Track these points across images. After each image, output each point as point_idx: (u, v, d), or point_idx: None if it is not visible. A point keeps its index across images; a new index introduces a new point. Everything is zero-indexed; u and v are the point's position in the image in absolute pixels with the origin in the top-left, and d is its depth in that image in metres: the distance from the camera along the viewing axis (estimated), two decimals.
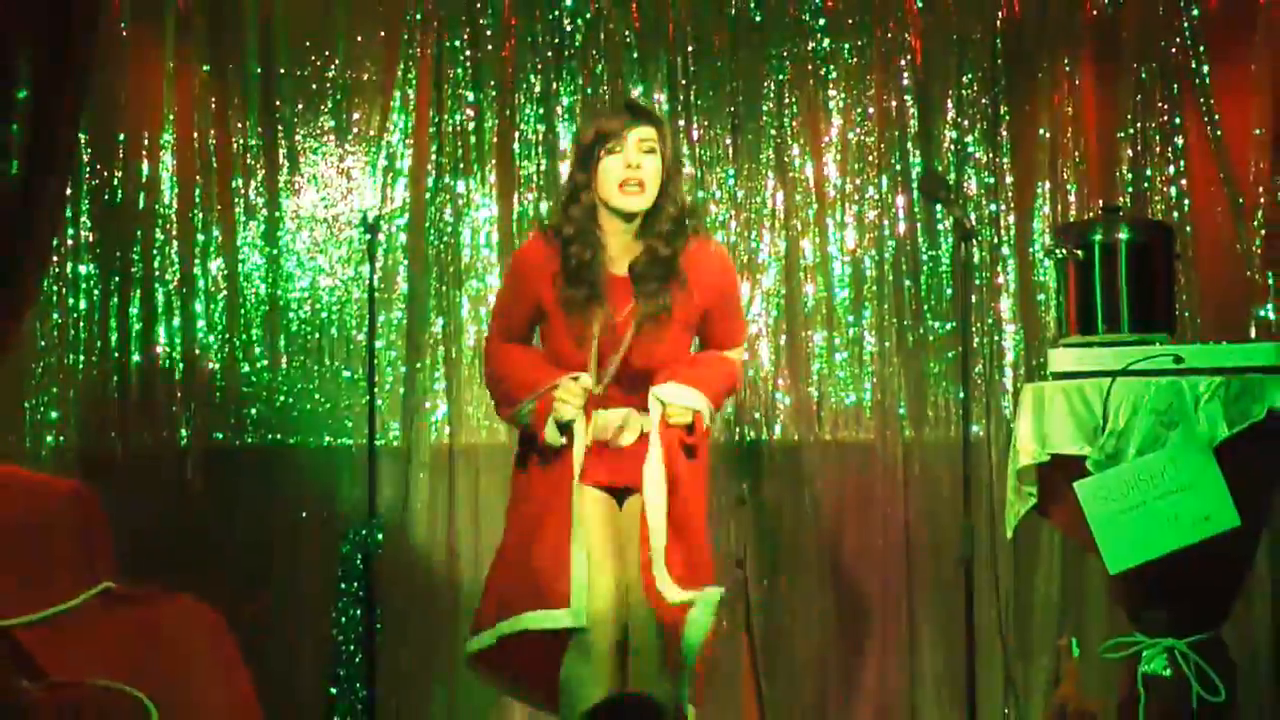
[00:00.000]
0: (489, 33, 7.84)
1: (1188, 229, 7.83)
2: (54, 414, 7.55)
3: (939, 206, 7.47)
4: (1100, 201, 7.55)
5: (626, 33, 7.85)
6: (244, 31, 7.75)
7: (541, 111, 7.83)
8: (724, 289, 6.18)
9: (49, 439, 7.53)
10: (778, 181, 7.90)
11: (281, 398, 7.72)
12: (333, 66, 7.77)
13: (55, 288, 7.52)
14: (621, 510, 6.07)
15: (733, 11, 7.89)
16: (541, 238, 6.15)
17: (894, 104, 7.92)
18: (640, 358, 6.05)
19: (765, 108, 7.89)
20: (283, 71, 7.77)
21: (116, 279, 7.66)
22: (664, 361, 6.06)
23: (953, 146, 7.96)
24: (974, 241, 7.51)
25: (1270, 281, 7.81)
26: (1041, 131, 7.94)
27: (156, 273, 7.67)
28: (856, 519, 7.84)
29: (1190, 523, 6.37)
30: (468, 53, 7.81)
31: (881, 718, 7.76)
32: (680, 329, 6.09)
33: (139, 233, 7.66)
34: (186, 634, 6.51)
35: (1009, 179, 7.95)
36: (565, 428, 5.96)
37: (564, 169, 7.50)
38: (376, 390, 7.12)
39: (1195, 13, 7.86)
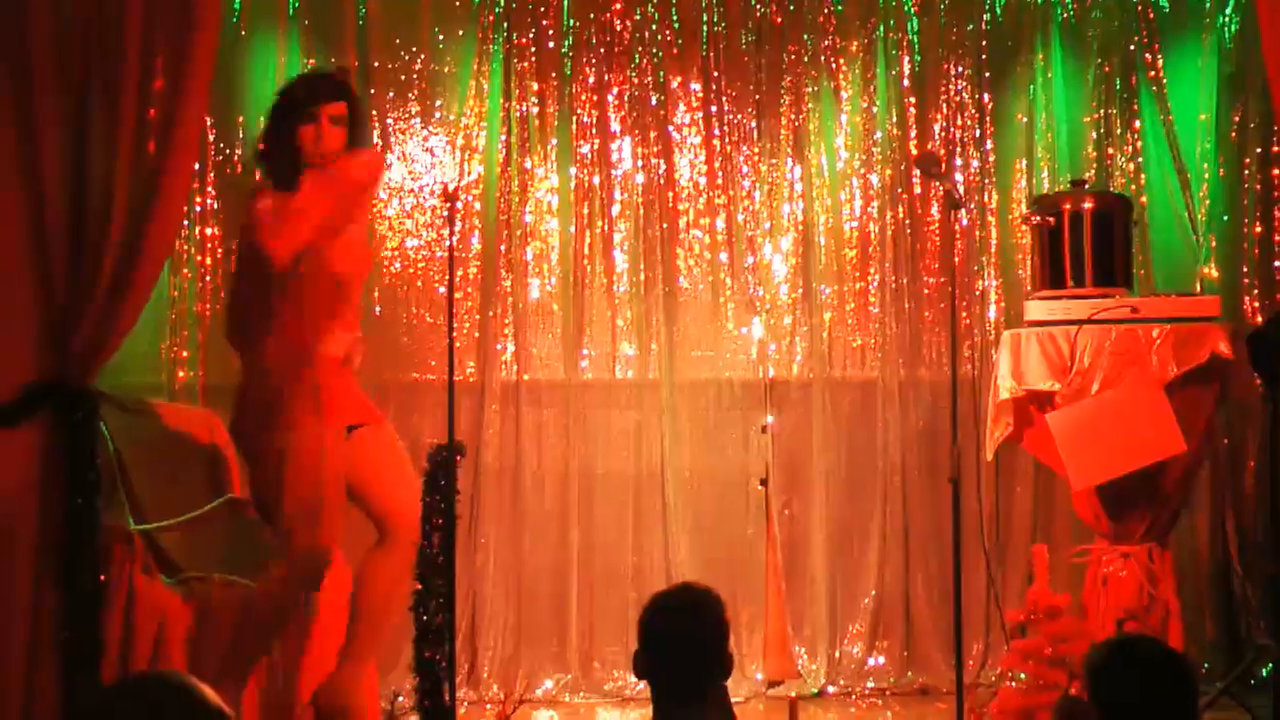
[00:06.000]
0: (551, 32, 7.85)
1: (1143, 200, 7.83)
2: (185, 353, 7.60)
3: (932, 180, 7.49)
4: (1068, 176, 7.57)
5: (667, 33, 7.87)
6: (344, 30, 7.78)
7: (595, 98, 7.86)
8: None
9: (181, 374, 7.58)
10: (795, 158, 7.92)
11: (377, 340, 7.78)
12: (419, 61, 7.78)
13: (186, 247, 7.58)
14: None
15: (757, 15, 7.90)
16: None
17: (895, 92, 7.93)
18: None
19: (785, 96, 7.90)
20: (376, 65, 7.78)
21: (236, 240, 7.72)
22: None
23: (945, 129, 7.97)
24: (962, 210, 7.56)
25: (1213, 244, 7.83)
26: (1020, 117, 7.95)
27: None
28: (861, 444, 7.87)
29: (1143, 448, 6.43)
30: (533, 49, 7.84)
31: (881, 611, 7.79)
32: None
33: None
34: (296, 539, 6.58)
35: (992, 157, 7.96)
36: None
37: (618, 147, 7.58)
38: (455, 334, 7.19)
39: (1150, 16, 7.86)
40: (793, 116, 7.91)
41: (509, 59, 7.83)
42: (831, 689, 7.70)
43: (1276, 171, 7.77)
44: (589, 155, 7.83)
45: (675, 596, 4.37)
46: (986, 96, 7.96)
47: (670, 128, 7.88)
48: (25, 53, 5.64)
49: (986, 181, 7.94)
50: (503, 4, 7.83)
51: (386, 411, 7.62)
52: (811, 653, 7.72)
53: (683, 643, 4.22)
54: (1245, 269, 7.82)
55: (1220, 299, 6.91)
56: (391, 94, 7.80)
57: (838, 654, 7.74)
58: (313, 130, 5.95)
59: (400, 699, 6.52)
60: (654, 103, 7.87)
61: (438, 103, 7.82)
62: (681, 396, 7.82)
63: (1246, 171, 7.83)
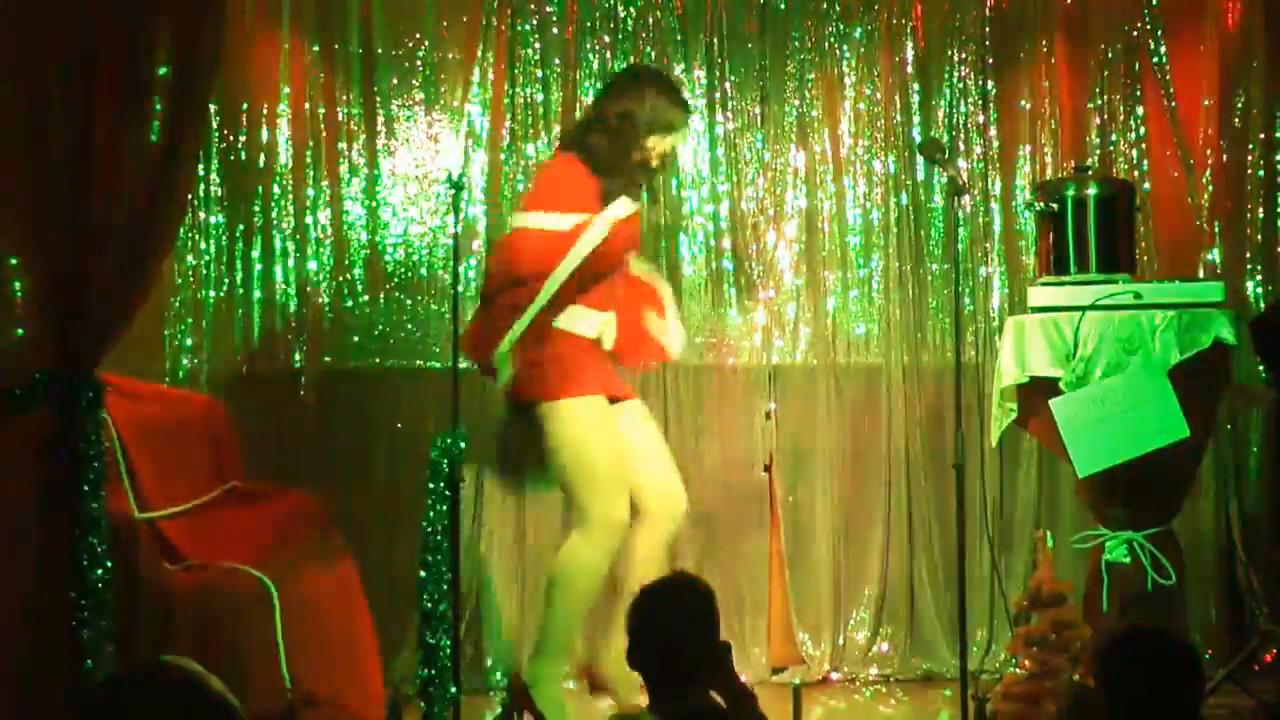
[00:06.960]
0: (554, 18, 7.84)
1: (1146, 185, 7.81)
2: (189, 341, 7.58)
3: (936, 166, 7.48)
4: (1072, 162, 7.55)
5: (671, 18, 7.86)
6: (348, 16, 7.76)
7: (599, 85, 7.84)
8: None
9: (185, 362, 7.56)
10: (799, 145, 7.90)
11: (380, 327, 7.75)
12: (423, 47, 7.77)
13: (190, 234, 7.56)
14: None
15: (760, 1, 7.89)
16: None
17: (898, 79, 7.92)
18: None
19: (789, 82, 7.89)
20: (380, 51, 7.77)
21: (241, 227, 7.70)
22: None
23: (948, 115, 7.96)
24: (965, 196, 7.54)
25: (1216, 229, 7.82)
26: (1022, 102, 7.93)
27: (274, 221, 7.70)
28: (865, 430, 7.86)
29: (1147, 434, 6.42)
30: (536, 35, 7.83)
31: (885, 597, 7.78)
32: None
33: (260, 188, 7.70)
34: (300, 525, 6.59)
35: (995, 143, 7.95)
36: None
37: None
38: (459, 321, 7.17)
39: (1154, 2, 7.85)
40: (796, 103, 7.90)
41: (512, 45, 7.81)
42: (835, 675, 7.69)
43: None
44: None
45: (657, 591, 4.37)
46: (990, 83, 7.95)
47: None
48: (33, 28, 5.63)
49: (990, 168, 7.94)
50: None
51: (394, 399, 7.66)
52: (815, 639, 7.71)
53: (667, 637, 4.23)
54: (1248, 254, 7.82)
55: (1223, 284, 6.90)
56: (395, 81, 7.78)
57: (842, 640, 7.73)
58: None
59: (404, 686, 6.51)
60: None
61: (441, 90, 7.80)
62: (685, 383, 7.81)
63: (1249, 157, 7.82)
